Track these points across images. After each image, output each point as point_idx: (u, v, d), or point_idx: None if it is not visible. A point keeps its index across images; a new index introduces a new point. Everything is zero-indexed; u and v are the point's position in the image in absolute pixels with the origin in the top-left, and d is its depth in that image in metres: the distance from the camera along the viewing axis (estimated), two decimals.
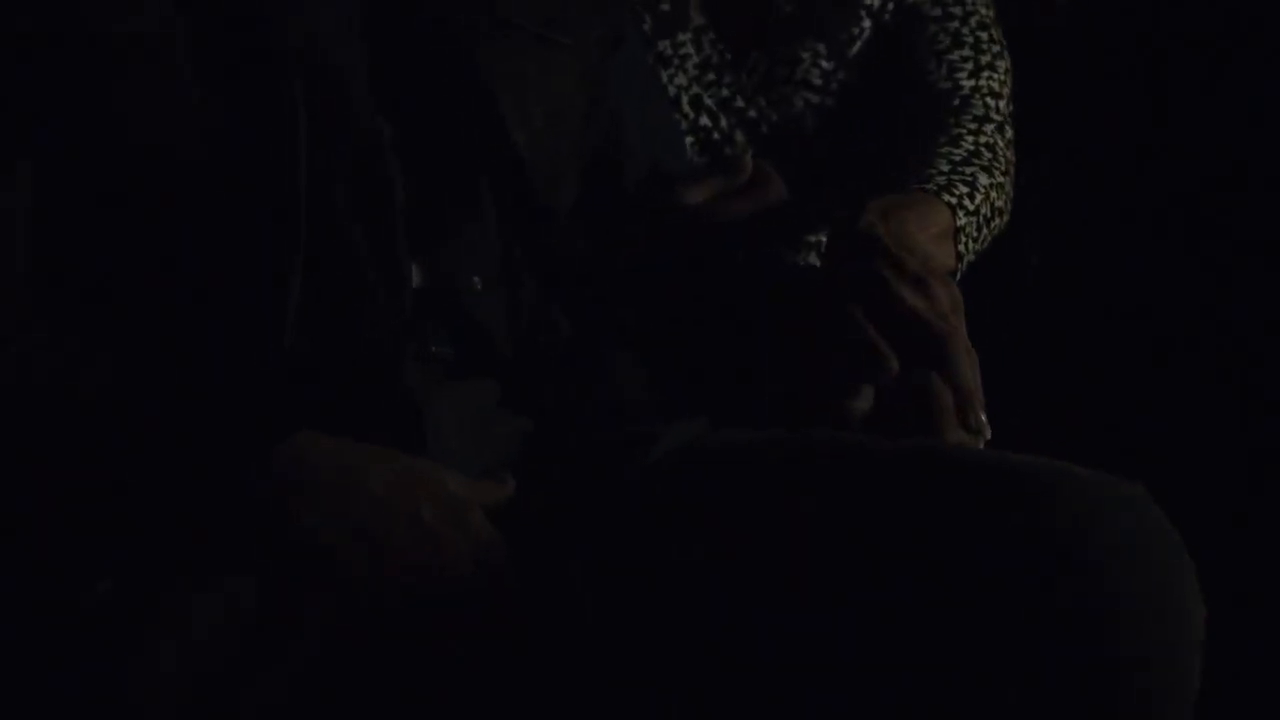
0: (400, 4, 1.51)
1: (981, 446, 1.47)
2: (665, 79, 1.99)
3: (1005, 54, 2.03)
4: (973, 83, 1.98)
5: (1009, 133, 1.98)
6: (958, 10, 2.01)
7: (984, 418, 1.47)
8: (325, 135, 1.41)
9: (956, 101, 1.97)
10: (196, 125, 1.38)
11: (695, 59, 2.00)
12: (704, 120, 2.00)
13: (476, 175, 1.52)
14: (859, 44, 2.02)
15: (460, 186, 1.52)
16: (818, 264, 1.89)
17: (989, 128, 1.95)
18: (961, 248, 1.83)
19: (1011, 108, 2.01)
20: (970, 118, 1.96)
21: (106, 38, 1.37)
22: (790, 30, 2.01)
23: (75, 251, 1.38)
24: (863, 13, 2.02)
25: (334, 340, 1.41)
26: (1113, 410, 2.38)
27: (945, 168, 1.87)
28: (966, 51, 1.99)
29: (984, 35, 2.01)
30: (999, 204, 1.91)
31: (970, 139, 1.93)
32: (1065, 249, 2.46)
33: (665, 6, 2.00)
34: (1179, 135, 2.45)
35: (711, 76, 2.00)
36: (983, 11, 2.02)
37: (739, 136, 2.00)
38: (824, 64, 2.01)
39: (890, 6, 2.02)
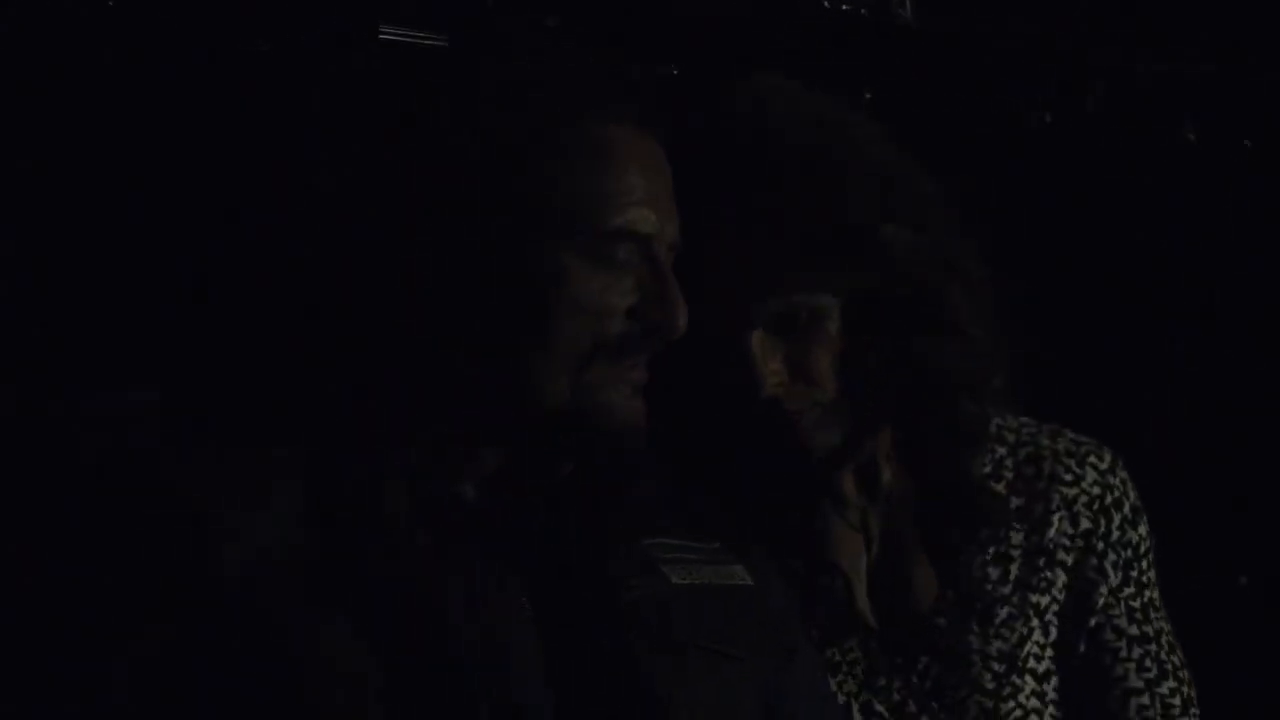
0: (574, 639, 1.54)
1: None
2: (835, 686, 1.97)
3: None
4: None
5: None
6: (1150, 630, 2.00)
7: None
8: None
9: None
10: None
11: (864, 664, 1.98)
12: None
13: None
14: (1030, 644, 2.00)
15: None
16: None
17: None
18: None
19: None
20: None
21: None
22: (958, 631, 1.99)
23: None
24: (1030, 612, 1.99)
25: None
26: None
27: None
28: (1173, 683, 1.98)
29: (1175, 660, 2.00)
30: None
31: None
32: None
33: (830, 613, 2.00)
34: None
35: (882, 682, 1.98)
36: (1167, 628, 2.01)
37: None
38: (995, 667, 1.99)
39: (1054, 607, 2.00)
